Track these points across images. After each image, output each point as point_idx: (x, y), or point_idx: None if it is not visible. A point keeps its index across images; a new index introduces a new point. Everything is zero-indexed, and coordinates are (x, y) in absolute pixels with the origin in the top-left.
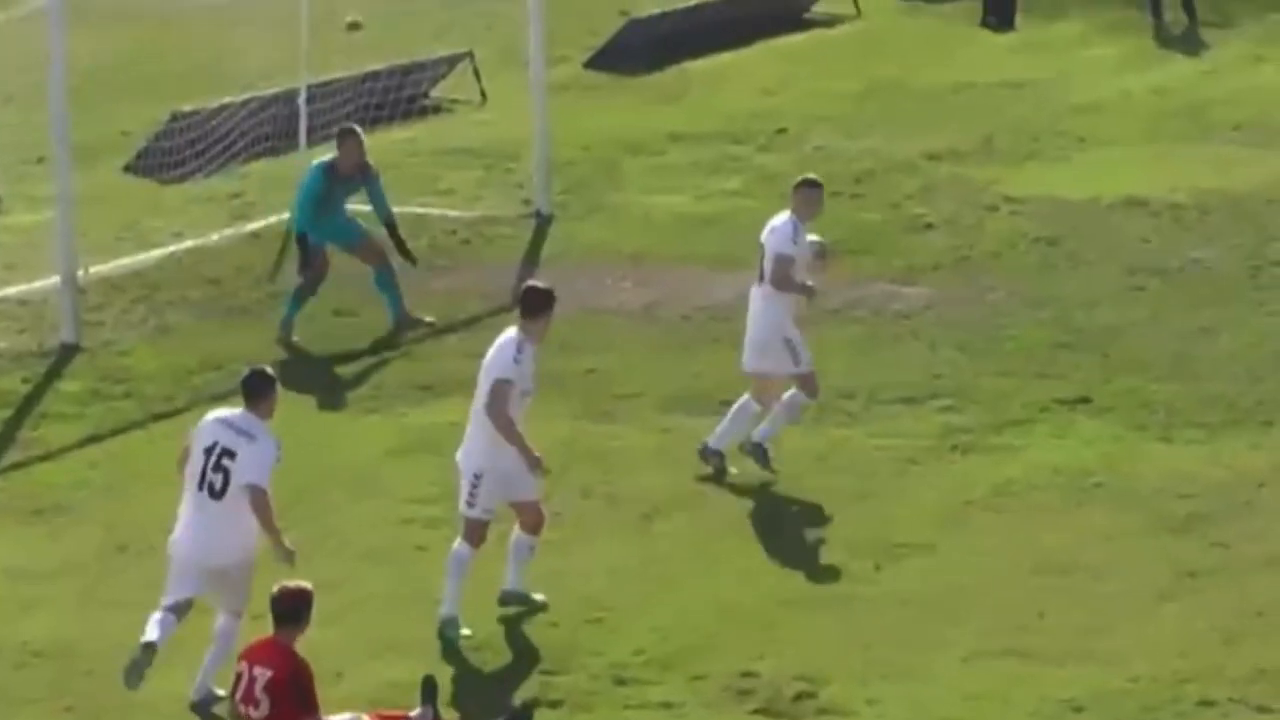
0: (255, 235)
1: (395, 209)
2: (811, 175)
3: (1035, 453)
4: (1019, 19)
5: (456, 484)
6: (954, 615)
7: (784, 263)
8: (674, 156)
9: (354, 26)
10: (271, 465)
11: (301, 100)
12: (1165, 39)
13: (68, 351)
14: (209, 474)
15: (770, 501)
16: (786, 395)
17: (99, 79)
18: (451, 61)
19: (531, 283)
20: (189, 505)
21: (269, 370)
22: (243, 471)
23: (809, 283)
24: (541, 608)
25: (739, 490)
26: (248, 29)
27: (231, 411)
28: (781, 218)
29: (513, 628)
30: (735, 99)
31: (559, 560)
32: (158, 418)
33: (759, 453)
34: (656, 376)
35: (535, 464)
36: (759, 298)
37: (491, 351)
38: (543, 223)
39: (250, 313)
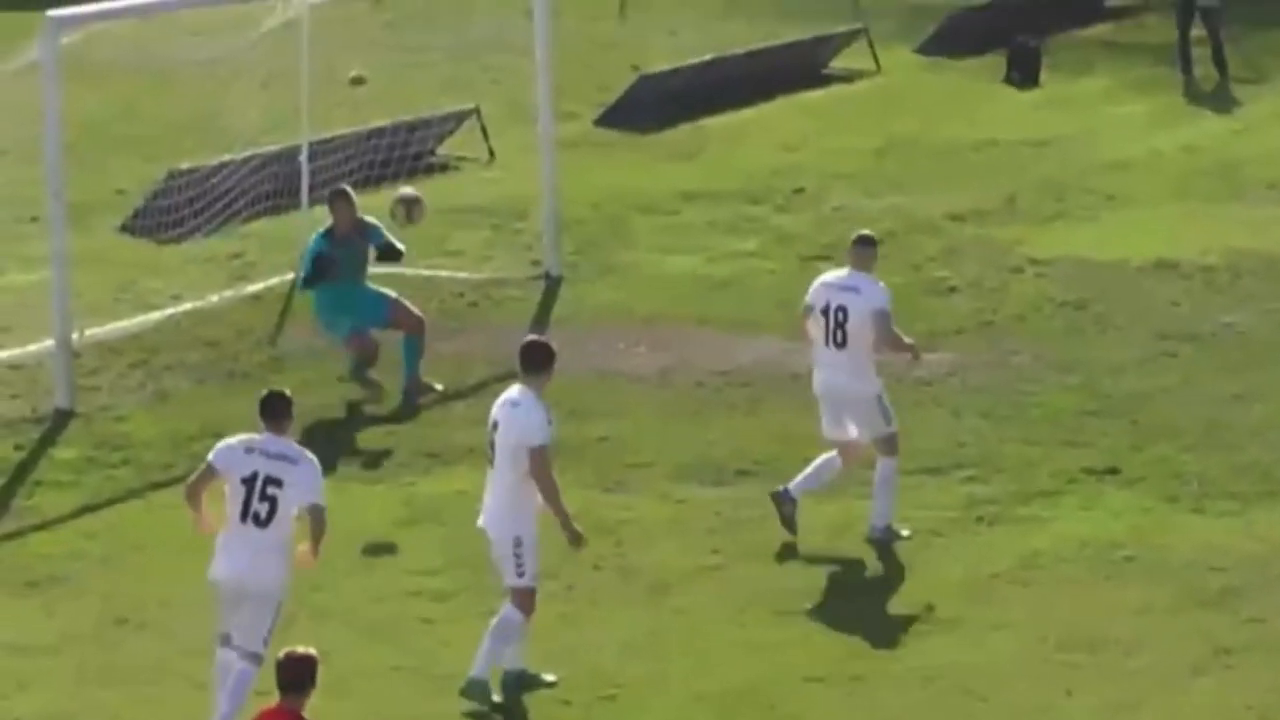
0: (256, 297)
1: (401, 269)
2: (868, 231)
3: (1063, 524)
4: (1043, 74)
5: (488, 554)
6: (979, 693)
7: (888, 320)
8: (688, 216)
9: (357, 81)
10: (322, 482)
11: (303, 157)
12: (1195, 95)
13: (62, 417)
14: (254, 504)
15: (788, 575)
16: (881, 472)
17: (94, 135)
18: (458, 118)
19: (532, 337)
20: (230, 534)
21: (285, 390)
22: (299, 496)
23: (909, 340)
24: (552, 686)
25: (756, 563)
26: (246, 84)
27: (255, 437)
28: (857, 276)
29: (523, 705)
30: (752, 156)
31: (570, 634)
32: (156, 486)
33: (886, 535)
34: (670, 445)
35: (576, 538)
36: (844, 361)
37: (511, 414)
38: (552, 284)
39: (252, 377)
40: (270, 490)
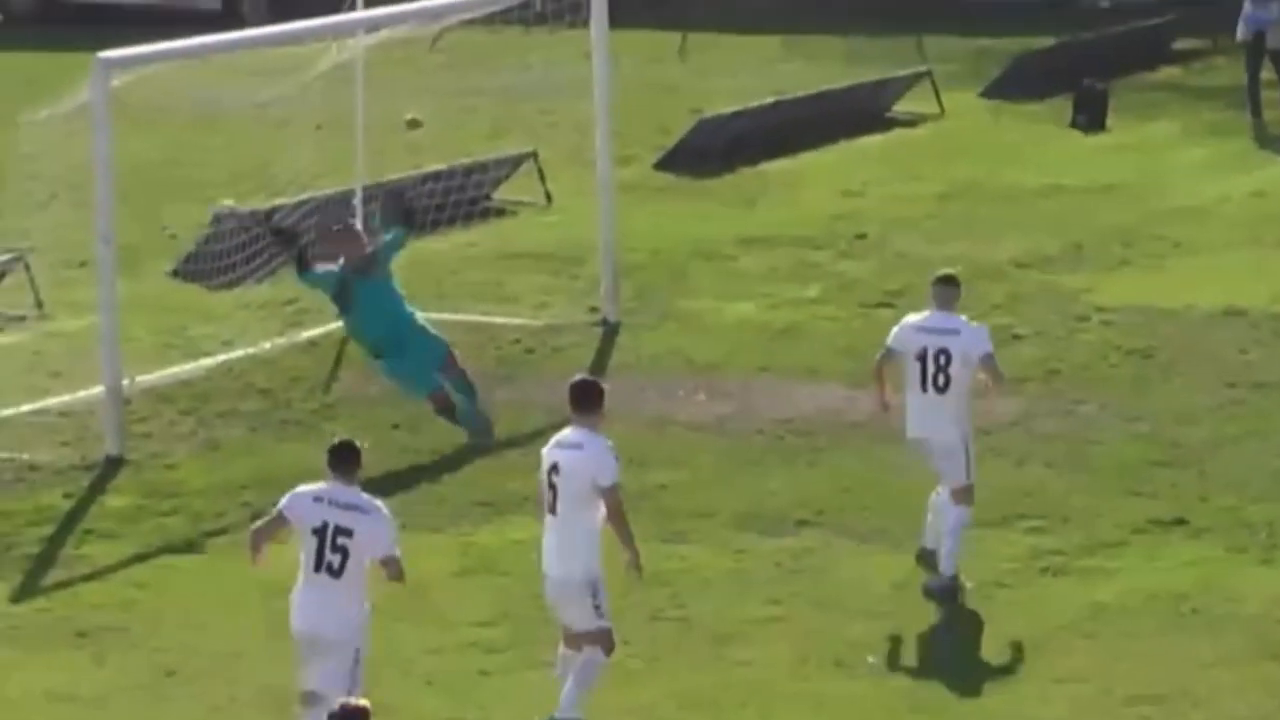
0: (310, 344)
1: (456, 316)
2: (950, 270)
3: (1129, 576)
4: (1110, 118)
5: (549, 601)
6: None
7: (995, 360)
8: (748, 262)
9: (413, 125)
10: (395, 532)
11: (357, 201)
12: (1265, 140)
13: (112, 465)
14: (326, 554)
15: (849, 627)
16: (952, 521)
17: (144, 179)
18: (515, 161)
19: (581, 376)
20: (305, 585)
21: (354, 439)
22: (371, 548)
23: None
24: None
25: (818, 614)
26: (299, 127)
27: (323, 487)
28: (951, 317)
29: None
30: (813, 201)
31: (629, 687)
32: (207, 535)
33: (950, 585)
34: (730, 494)
35: (639, 566)
36: (944, 406)
37: (577, 456)
38: (610, 331)
39: (304, 425)
40: (341, 540)
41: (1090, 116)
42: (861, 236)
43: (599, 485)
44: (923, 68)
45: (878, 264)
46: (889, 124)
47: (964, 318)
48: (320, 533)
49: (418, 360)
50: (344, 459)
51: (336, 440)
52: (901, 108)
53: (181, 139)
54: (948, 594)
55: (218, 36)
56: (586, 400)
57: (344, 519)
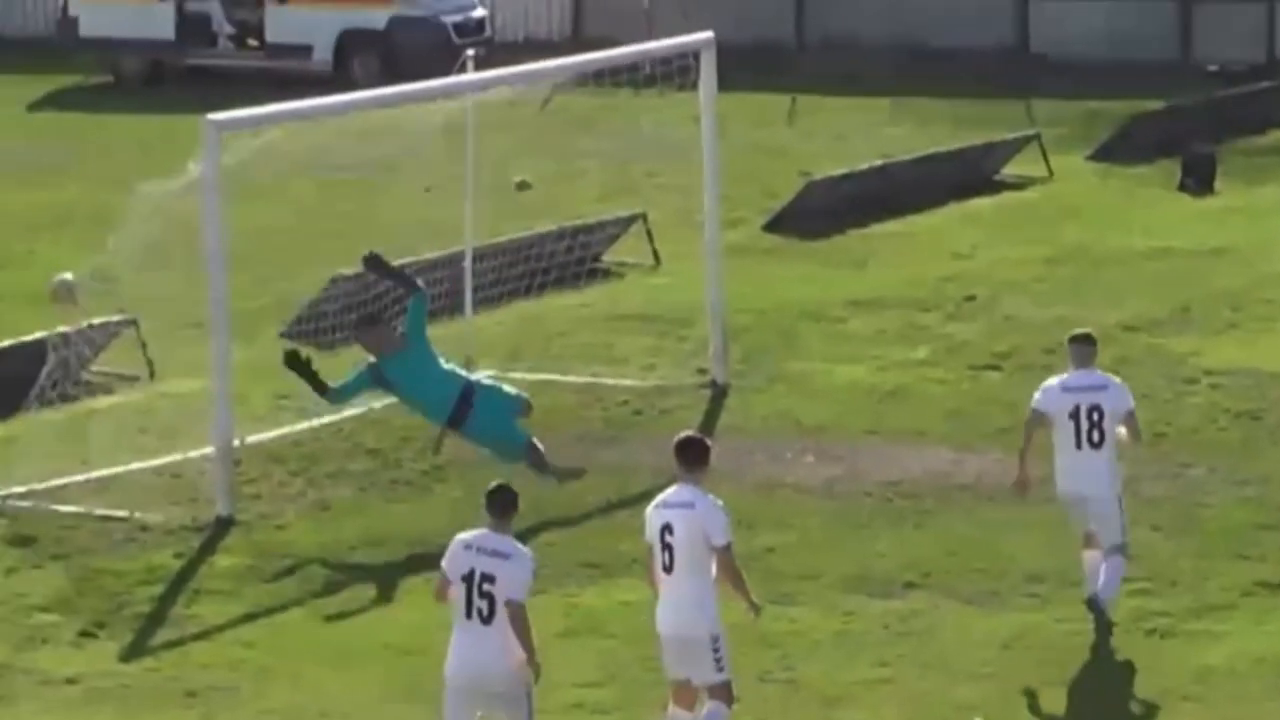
0: None
1: (565, 377)
2: (1086, 329)
3: (1237, 639)
4: (1219, 182)
5: (662, 660)
6: None
7: (1135, 418)
8: (856, 324)
9: (523, 186)
10: (530, 580)
11: (467, 263)
12: None
13: (222, 525)
14: (475, 601)
15: (956, 689)
16: (1107, 565)
17: (258, 241)
18: (624, 223)
19: (688, 433)
20: (460, 633)
21: (509, 484)
22: (502, 590)
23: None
24: None
25: (926, 676)
26: (408, 189)
27: (476, 534)
28: (1094, 374)
29: None
30: (922, 264)
31: None
32: (317, 596)
33: (1107, 607)
34: (837, 556)
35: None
36: (1100, 462)
37: (690, 515)
38: (718, 393)
39: (414, 485)
40: (486, 587)
41: (1198, 180)
42: (970, 299)
43: (713, 544)
44: (1031, 131)
45: (986, 326)
46: (997, 187)
47: (1106, 374)
48: (468, 580)
49: (492, 416)
50: (496, 503)
51: (494, 484)
52: (1010, 171)
53: (294, 202)
54: (1104, 605)
55: (328, 98)
56: (694, 457)
57: (489, 565)
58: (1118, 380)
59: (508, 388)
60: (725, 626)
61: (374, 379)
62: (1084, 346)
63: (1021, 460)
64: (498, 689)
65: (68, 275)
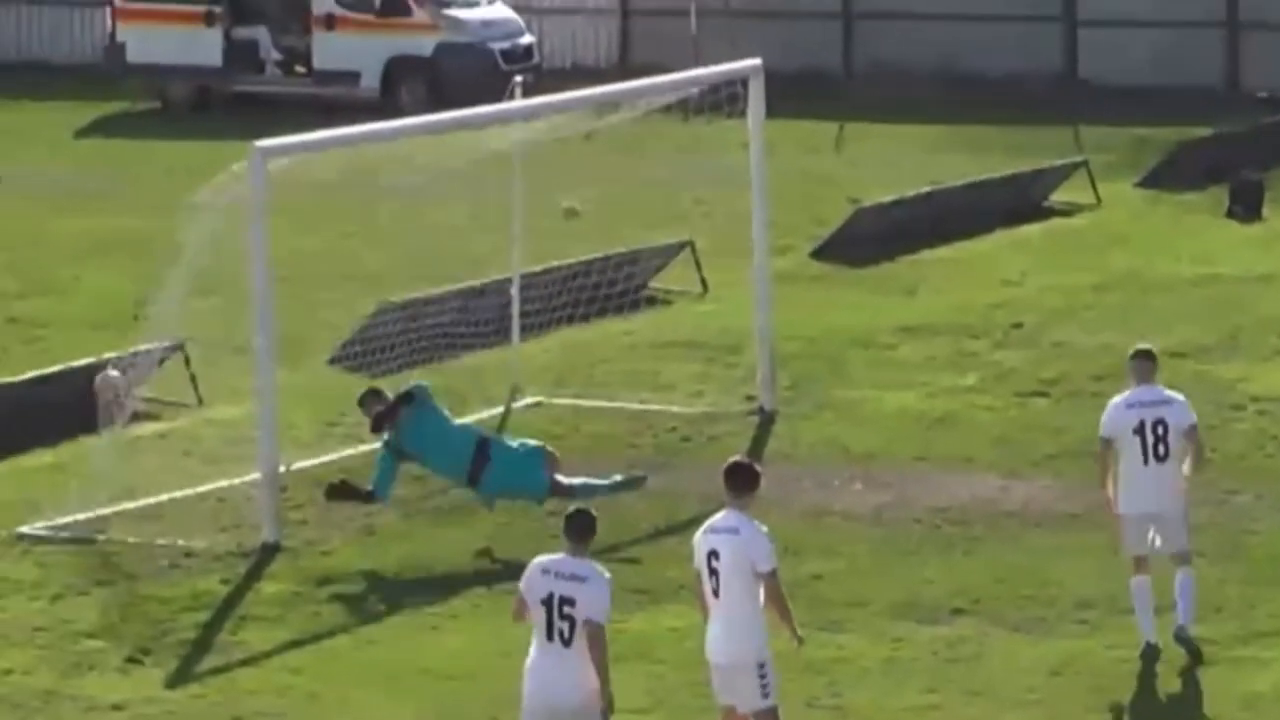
0: None
1: (613, 404)
2: (1146, 345)
3: None
4: (1267, 209)
5: (713, 687)
6: None
7: (1198, 432)
8: (905, 351)
9: (571, 214)
10: (608, 602)
11: (515, 290)
12: None
13: (268, 551)
14: (556, 623)
15: (1004, 716)
16: (1182, 584)
17: (304, 268)
18: (671, 251)
19: (737, 459)
20: (539, 654)
21: (591, 509)
22: (582, 612)
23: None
24: None
25: (974, 703)
26: (456, 215)
27: (554, 558)
28: (1158, 390)
29: None
30: (970, 291)
31: None
32: (363, 622)
33: (1189, 635)
34: (886, 583)
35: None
36: (1166, 475)
37: (736, 542)
38: (766, 420)
39: (459, 511)
40: (567, 610)
41: (1246, 206)
42: (1018, 326)
43: (758, 571)
44: (1079, 158)
45: (1034, 353)
46: (1046, 214)
47: (1170, 390)
48: (548, 603)
49: (510, 468)
50: (574, 527)
51: (572, 509)
52: (1058, 197)
53: (340, 229)
54: (1194, 651)
55: (375, 125)
56: (743, 482)
57: (567, 589)
58: (1181, 396)
59: (530, 440)
60: (773, 653)
61: (395, 454)
62: (1145, 362)
63: (1103, 486)
64: (569, 707)
65: (114, 373)
